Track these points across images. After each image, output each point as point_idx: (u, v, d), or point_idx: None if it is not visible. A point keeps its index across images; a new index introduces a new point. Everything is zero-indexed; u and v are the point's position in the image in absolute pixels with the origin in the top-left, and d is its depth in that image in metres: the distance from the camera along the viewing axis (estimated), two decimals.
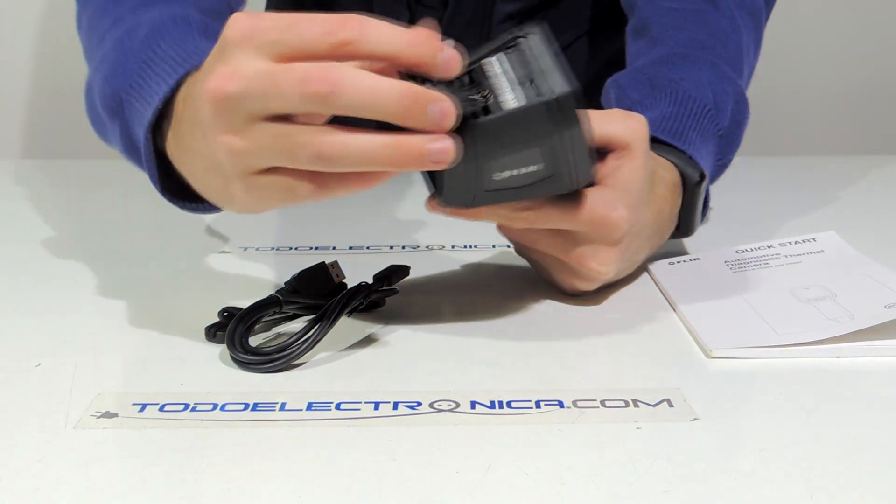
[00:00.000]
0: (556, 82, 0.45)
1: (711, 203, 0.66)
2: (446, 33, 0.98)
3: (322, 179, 0.44)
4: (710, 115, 0.63)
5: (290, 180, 0.43)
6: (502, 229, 0.55)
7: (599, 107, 0.72)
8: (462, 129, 0.43)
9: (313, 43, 0.41)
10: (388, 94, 0.41)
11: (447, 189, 0.47)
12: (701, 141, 0.62)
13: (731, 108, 0.65)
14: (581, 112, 0.45)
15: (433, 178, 0.50)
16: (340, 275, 0.54)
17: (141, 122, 0.51)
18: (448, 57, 0.42)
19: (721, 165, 0.65)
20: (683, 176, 0.60)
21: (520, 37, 0.46)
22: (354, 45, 0.41)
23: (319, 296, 0.52)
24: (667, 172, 0.59)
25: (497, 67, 0.47)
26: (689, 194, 0.60)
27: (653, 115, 0.62)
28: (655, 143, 0.60)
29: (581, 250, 0.52)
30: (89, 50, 0.61)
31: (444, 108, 0.41)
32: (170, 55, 0.51)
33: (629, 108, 0.63)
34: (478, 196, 0.47)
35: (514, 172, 0.46)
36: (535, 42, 0.46)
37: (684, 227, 0.61)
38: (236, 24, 0.43)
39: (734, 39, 0.69)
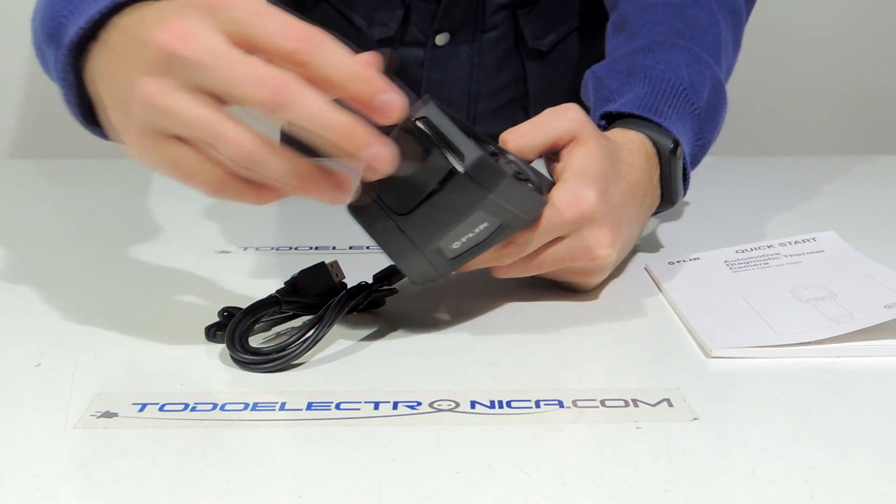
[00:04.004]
0: (466, 149, 0.45)
1: (714, 206, 0.66)
2: (441, 27, 0.98)
3: (226, 178, 0.42)
4: (685, 95, 0.63)
5: (197, 162, 0.42)
6: (497, 272, 0.53)
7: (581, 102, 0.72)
8: (396, 224, 0.46)
9: (271, 39, 0.41)
10: (330, 124, 0.40)
11: (409, 274, 0.48)
12: (677, 116, 0.62)
13: (707, 90, 0.65)
14: (498, 166, 0.46)
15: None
16: (340, 275, 0.54)
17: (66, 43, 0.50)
18: (387, 101, 0.41)
19: (701, 145, 0.66)
20: (657, 145, 0.60)
21: (416, 118, 0.46)
22: (306, 61, 0.41)
23: (319, 296, 0.52)
24: (637, 144, 0.59)
25: None
26: (665, 163, 0.61)
27: (627, 99, 0.62)
28: (629, 119, 0.61)
29: (578, 246, 0.52)
30: None
31: (380, 153, 0.41)
32: None
33: (607, 98, 0.64)
34: (442, 268, 0.48)
35: (468, 237, 0.47)
36: (433, 115, 0.46)
37: (666, 196, 0.62)
38: None
39: (713, 32, 0.70)
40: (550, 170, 0.55)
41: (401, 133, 0.46)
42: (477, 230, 0.47)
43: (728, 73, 0.73)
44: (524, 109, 0.97)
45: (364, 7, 0.91)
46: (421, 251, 0.47)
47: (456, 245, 0.47)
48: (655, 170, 0.61)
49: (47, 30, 0.54)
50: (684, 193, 0.65)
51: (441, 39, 0.91)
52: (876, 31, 1.52)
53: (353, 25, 0.92)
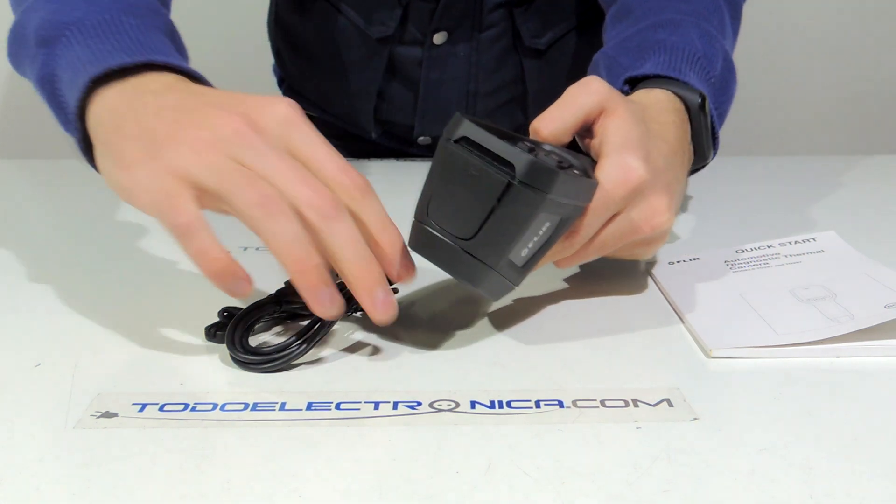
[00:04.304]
0: (514, 157, 0.45)
1: (714, 206, 0.65)
2: (438, 26, 0.98)
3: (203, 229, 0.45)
4: (700, 63, 0.63)
5: (193, 215, 0.45)
6: (562, 264, 0.53)
7: None
8: (464, 249, 0.46)
9: (332, 169, 0.46)
10: (353, 255, 0.45)
11: (487, 292, 0.48)
12: (697, 79, 0.62)
13: (720, 62, 0.65)
14: (549, 166, 0.45)
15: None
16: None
17: (77, 69, 0.52)
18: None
19: (718, 115, 0.65)
20: (684, 100, 0.60)
21: (455, 139, 0.46)
22: (356, 199, 0.46)
23: None
24: (665, 102, 0.59)
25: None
26: (695, 117, 0.60)
27: (646, 68, 0.62)
28: (654, 80, 0.61)
29: (636, 218, 0.51)
30: None
31: (381, 300, 0.46)
32: (135, 36, 0.54)
33: (620, 75, 0.63)
34: (515, 277, 0.48)
35: (534, 241, 0.47)
36: (471, 132, 0.46)
37: (698, 153, 0.61)
38: (291, 107, 0.47)
39: (717, 16, 0.70)
40: (586, 146, 0.54)
41: (444, 158, 0.46)
42: (541, 232, 0.47)
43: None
44: (523, 109, 0.97)
45: (363, 6, 0.91)
46: (494, 269, 0.46)
47: (524, 252, 0.47)
48: (687, 125, 0.60)
49: (44, 33, 0.55)
50: (714, 152, 0.64)
51: (439, 38, 0.91)
52: (876, 31, 1.52)
53: (351, 24, 0.92)
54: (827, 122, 1.56)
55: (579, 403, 0.43)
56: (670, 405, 0.42)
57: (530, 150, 0.46)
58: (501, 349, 0.49)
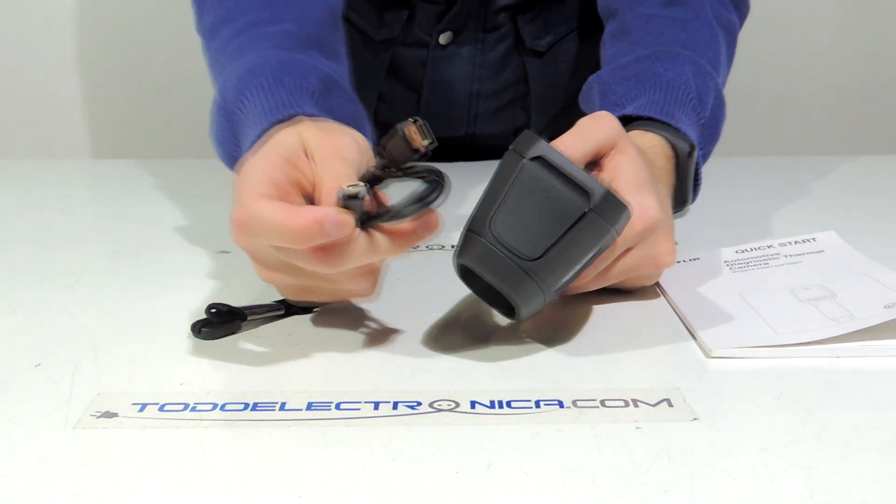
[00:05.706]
0: (591, 184, 0.45)
1: (714, 206, 0.65)
2: (446, 26, 0.99)
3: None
4: (693, 104, 0.64)
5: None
6: (570, 290, 0.53)
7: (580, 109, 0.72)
8: (524, 269, 0.45)
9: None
10: (289, 229, 0.43)
11: (526, 311, 0.47)
12: (688, 123, 0.63)
13: (711, 101, 0.66)
14: (619, 200, 0.46)
15: (505, 308, 0.49)
16: (425, 135, 0.45)
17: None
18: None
19: (702, 155, 0.66)
20: (675, 149, 0.61)
21: (532, 158, 0.46)
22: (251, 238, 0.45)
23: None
24: (657, 147, 0.60)
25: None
26: (683, 166, 0.62)
27: (640, 103, 0.63)
28: (645, 121, 0.62)
29: (645, 255, 0.53)
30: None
31: (334, 220, 0.43)
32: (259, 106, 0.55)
33: (615, 103, 0.65)
34: (549, 301, 0.48)
35: (577, 269, 0.47)
36: (547, 152, 0.46)
37: (679, 199, 0.63)
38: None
39: (713, 45, 0.71)
40: None
41: (520, 175, 0.46)
42: (584, 261, 0.47)
43: (723, 87, 0.74)
44: (525, 110, 0.97)
45: (367, 9, 0.91)
46: (544, 292, 0.46)
47: (566, 278, 0.47)
48: (674, 173, 0.62)
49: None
50: (695, 197, 0.65)
51: (444, 39, 0.91)
52: (875, 30, 1.52)
53: (354, 27, 0.92)
54: (827, 122, 1.56)
55: (579, 403, 0.43)
56: (670, 405, 0.42)
57: None
58: (501, 349, 0.49)
